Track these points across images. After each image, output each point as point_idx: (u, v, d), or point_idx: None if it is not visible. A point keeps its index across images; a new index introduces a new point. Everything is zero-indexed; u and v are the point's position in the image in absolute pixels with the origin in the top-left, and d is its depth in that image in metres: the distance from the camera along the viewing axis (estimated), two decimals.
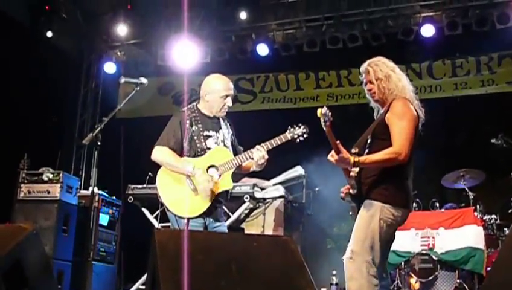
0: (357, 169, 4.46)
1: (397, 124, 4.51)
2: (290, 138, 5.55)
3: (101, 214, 9.13)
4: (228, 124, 5.79)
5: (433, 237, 8.52)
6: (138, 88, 5.70)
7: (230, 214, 8.00)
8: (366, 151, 4.66)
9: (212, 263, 3.72)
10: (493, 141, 8.40)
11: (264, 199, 8.45)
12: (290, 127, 5.58)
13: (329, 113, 4.19)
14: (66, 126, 12.37)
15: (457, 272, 8.27)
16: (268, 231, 8.33)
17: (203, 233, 5.02)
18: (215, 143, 5.56)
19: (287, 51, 11.22)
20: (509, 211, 8.38)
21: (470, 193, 8.81)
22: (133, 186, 8.52)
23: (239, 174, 5.94)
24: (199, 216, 5.34)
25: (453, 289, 8.21)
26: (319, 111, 4.17)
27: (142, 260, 4.56)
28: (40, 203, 8.62)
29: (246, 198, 7.97)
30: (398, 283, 8.52)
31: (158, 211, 8.05)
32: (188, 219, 5.32)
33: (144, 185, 8.40)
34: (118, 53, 12.34)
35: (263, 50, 11.23)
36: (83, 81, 12.69)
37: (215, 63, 11.39)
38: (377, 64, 4.80)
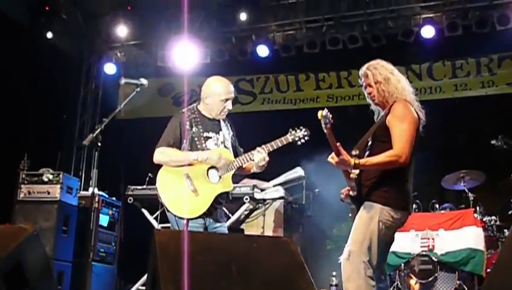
0: (357, 171, 4.46)
1: (398, 127, 4.51)
2: (291, 140, 5.55)
3: (101, 215, 9.15)
4: (229, 125, 5.79)
5: (433, 238, 8.51)
6: (138, 89, 5.71)
7: (230, 215, 8.00)
8: (367, 153, 4.67)
9: (212, 264, 3.72)
10: (493, 142, 8.40)
11: (264, 200, 8.45)
12: (291, 129, 5.58)
13: (330, 116, 4.19)
14: (66, 127, 12.36)
15: (457, 273, 8.26)
16: (268, 232, 8.34)
17: (203, 234, 5.02)
18: (216, 144, 5.57)
19: (287, 52, 11.22)
20: (509, 212, 8.38)
21: (469, 194, 8.81)
22: (133, 187, 8.51)
23: (239, 175, 5.94)
24: (199, 217, 5.35)
25: None
26: (319, 113, 4.17)
27: (142, 260, 4.56)
28: (40, 204, 8.63)
29: (246, 199, 7.97)
30: (398, 284, 8.51)
31: (158, 212, 8.06)
32: (188, 219, 5.32)
33: (144, 186, 8.39)
34: (118, 54, 12.34)
35: (263, 51, 11.23)
36: (83, 82, 12.69)
37: (215, 64, 11.40)
38: (375, 67, 4.80)
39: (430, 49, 10.64)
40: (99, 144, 5.39)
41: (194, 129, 5.52)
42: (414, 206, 8.72)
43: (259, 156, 5.42)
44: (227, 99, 5.63)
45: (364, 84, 4.86)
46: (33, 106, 10.34)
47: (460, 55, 11.01)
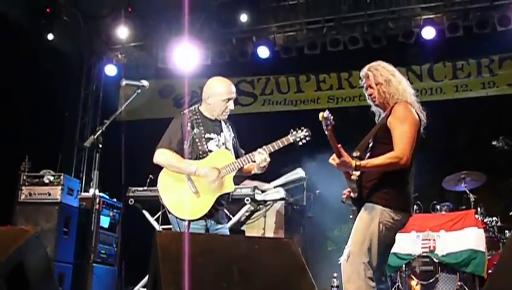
0: (358, 173, 4.47)
1: (399, 128, 4.51)
2: (292, 141, 5.54)
3: (101, 217, 9.15)
4: (230, 127, 5.79)
5: (434, 240, 8.52)
6: (139, 90, 5.72)
7: (231, 216, 8.00)
8: (368, 155, 4.67)
9: (213, 266, 3.72)
10: (494, 143, 8.40)
11: (265, 201, 8.45)
12: (292, 130, 5.57)
13: (331, 117, 4.19)
14: (67, 128, 12.37)
15: (458, 274, 8.26)
16: (269, 234, 8.34)
17: (205, 235, 5.03)
18: (217, 146, 5.57)
19: (287, 53, 11.22)
20: (510, 213, 8.38)
21: (470, 195, 8.81)
22: (133, 188, 8.52)
23: (240, 176, 5.94)
24: (200, 218, 5.35)
25: None
26: (320, 115, 4.17)
27: (143, 262, 4.56)
28: (41, 205, 8.64)
29: (247, 200, 7.97)
30: (399, 285, 8.52)
31: (159, 213, 8.06)
32: (189, 221, 5.32)
33: (145, 188, 8.40)
34: (119, 55, 12.34)
35: (264, 52, 11.23)
36: (84, 83, 12.69)
37: (215, 66, 11.39)
38: (376, 68, 4.80)
39: (430, 50, 10.63)
40: (100, 145, 5.40)
41: (195, 130, 5.52)
42: (415, 207, 8.73)
43: (260, 157, 5.42)
44: (229, 99, 5.62)
45: (365, 85, 4.86)
46: (34, 107, 10.34)
47: (461, 56, 11.01)
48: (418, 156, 4.69)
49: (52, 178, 8.76)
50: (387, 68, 4.82)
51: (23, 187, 8.78)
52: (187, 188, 5.37)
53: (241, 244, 4.10)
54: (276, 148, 5.47)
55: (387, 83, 4.72)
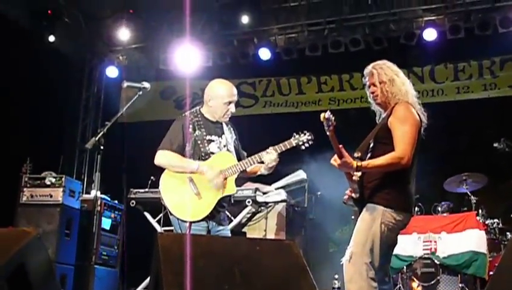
0: (359, 173, 4.48)
1: (399, 129, 4.51)
2: (294, 144, 5.53)
3: (103, 218, 9.16)
4: (231, 129, 5.79)
5: (435, 241, 8.52)
6: (141, 92, 5.72)
7: (232, 218, 8.00)
8: (369, 155, 4.67)
9: (215, 267, 3.72)
10: (495, 145, 8.40)
11: (266, 203, 8.44)
12: (295, 133, 5.56)
13: (333, 118, 4.19)
14: (68, 130, 12.37)
15: (459, 276, 8.26)
16: (271, 235, 8.33)
17: (206, 237, 5.03)
18: (218, 148, 5.57)
19: (288, 55, 11.22)
20: None
21: (472, 197, 8.82)
22: (135, 190, 8.52)
23: (244, 178, 5.95)
24: (202, 220, 5.35)
25: None
26: (322, 115, 4.17)
27: (145, 264, 4.56)
28: (42, 207, 8.66)
29: (248, 202, 7.97)
30: (400, 287, 8.52)
31: (160, 215, 8.06)
32: (191, 222, 5.32)
33: (146, 189, 8.40)
34: (120, 57, 12.34)
35: (265, 54, 11.23)
36: (85, 85, 12.70)
37: (217, 67, 11.40)
38: (381, 67, 4.80)
39: (432, 52, 10.63)
40: (102, 147, 5.40)
41: (196, 132, 5.52)
42: (416, 209, 8.73)
43: (270, 157, 5.41)
44: (230, 102, 5.62)
45: (368, 83, 4.86)
46: (35, 109, 10.35)
47: (462, 58, 11.01)
48: (419, 157, 4.69)
49: (53, 180, 8.77)
50: (391, 68, 4.82)
51: (24, 189, 8.80)
52: (189, 189, 5.37)
53: (243, 246, 4.10)
54: (279, 151, 5.47)
55: (391, 83, 4.73)
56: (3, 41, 9.63)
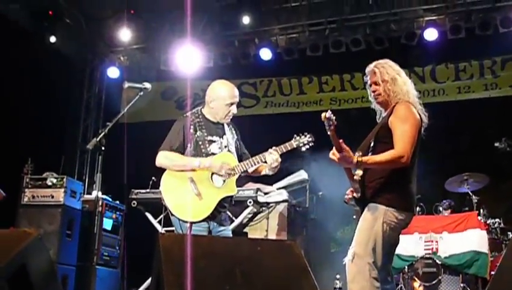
0: (360, 172, 4.48)
1: (399, 127, 4.51)
2: (295, 146, 5.54)
3: (104, 219, 9.15)
4: (233, 129, 5.79)
5: (437, 241, 8.52)
6: (142, 93, 5.73)
7: (233, 218, 7.99)
8: (369, 155, 4.66)
9: (216, 268, 3.72)
10: (497, 144, 8.40)
11: (268, 203, 8.43)
12: (295, 135, 5.57)
13: (334, 117, 4.18)
14: (70, 131, 12.38)
15: (461, 276, 8.27)
16: (272, 235, 8.33)
17: (207, 237, 5.03)
18: (219, 148, 5.57)
19: (289, 55, 11.22)
20: None
21: (473, 196, 8.82)
22: (136, 190, 8.51)
23: (244, 178, 5.95)
24: (203, 220, 5.35)
25: None
26: (323, 115, 4.17)
27: (146, 264, 4.56)
28: (44, 208, 8.65)
29: (250, 202, 7.95)
30: (401, 287, 8.52)
31: (162, 216, 8.06)
32: (192, 223, 5.33)
33: (148, 190, 8.39)
34: (121, 58, 12.35)
35: (266, 54, 11.23)
36: (86, 85, 12.70)
37: (218, 68, 11.40)
38: (383, 66, 4.80)
39: (433, 52, 10.63)
40: (103, 147, 5.41)
41: (198, 133, 5.53)
42: (418, 209, 8.74)
43: (272, 157, 5.42)
44: (232, 103, 5.62)
45: (369, 81, 4.85)
46: (36, 110, 10.35)
47: (463, 58, 11.02)
48: (420, 157, 4.69)
49: (55, 180, 8.77)
50: (393, 67, 4.82)
51: (26, 190, 8.80)
52: (189, 190, 5.38)
53: (244, 247, 4.11)
54: (279, 152, 5.47)
55: (393, 82, 4.72)
56: (4, 42, 9.63)
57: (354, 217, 4.88)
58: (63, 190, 8.69)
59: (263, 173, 5.68)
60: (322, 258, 9.24)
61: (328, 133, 4.24)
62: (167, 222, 6.74)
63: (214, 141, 5.58)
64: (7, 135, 9.55)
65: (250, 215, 8.40)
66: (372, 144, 4.70)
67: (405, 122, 4.52)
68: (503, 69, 10.74)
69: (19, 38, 10.37)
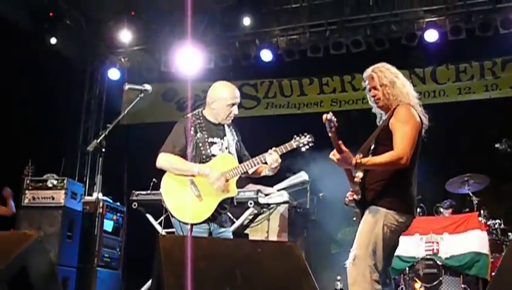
0: (361, 174, 4.48)
1: (400, 129, 4.50)
2: (295, 146, 5.54)
3: (105, 220, 9.14)
4: (234, 131, 5.79)
5: (438, 242, 8.52)
6: (142, 95, 5.74)
7: (234, 219, 7.99)
8: (370, 157, 4.66)
9: (216, 269, 3.72)
10: (497, 145, 8.39)
11: (268, 204, 8.43)
12: (295, 135, 5.57)
13: (335, 119, 4.17)
14: (70, 132, 12.38)
15: (461, 277, 8.27)
16: (273, 237, 8.33)
17: (208, 239, 5.03)
18: (220, 150, 5.57)
19: (290, 56, 11.22)
20: None
21: (474, 197, 8.82)
22: (137, 192, 8.52)
23: (249, 178, 5.96)
24: (203, 222, 5.35)
25: None
26: (324, 116, 4.16)
27: (147, 266, 4.56)
28: (44, 209, 8.64)
29: (250, 204, 7.95)
30: (402, 288, 8.52)
31: (162, 217, 8.05)
32: (192, 224, 5.33)
33: (148, 191, 8.39)
34: (122, 59, 12.34)
35: (267, 56, 11.24)
36: (87, 87, 12.71)
37: (218, 69, 11.42)
38: (381, 70, 4.78)
39: (433, 53, 10.63)
40: (104, 149, 5.41)
41: (198, 135, 5.53)
42: (418, 210, 8.73)
43: (272, 158, 5.41)
44: (233, 104, 5.62)
45: (368, 86, 4.84)
46: (37, 111, 10.36)
47: (463, 59, 11.02)
48: (421, 158, 4.68)
49: (55, 182, 8.76)
50: (391, 70, 4.81)
51: (26, 191, 8.79)
52: (190, 191, 5.38)
53: (244, 248, 4.11)
54: (279, 153, 5.47)
55: (392, 85, 4.71)
56: (5, 44, 9.64)
57: (355, 219, 4.87)
58: (63, 191, 8.68)
59: (263, 173, 5.68)
60: (322, 260, 9.23)
61: (329, 134, 4.23)
62: (168, 224, 6.74)
63: (215, 143, 5.58)
64: (8, 136, 9.56)
65: (251, 217, 8.40)
66: (372, 147, 4.69)
67: (405, 124, 4.51)
68: (503, 70, 10.74)
69: (19, 39, 10.37)
